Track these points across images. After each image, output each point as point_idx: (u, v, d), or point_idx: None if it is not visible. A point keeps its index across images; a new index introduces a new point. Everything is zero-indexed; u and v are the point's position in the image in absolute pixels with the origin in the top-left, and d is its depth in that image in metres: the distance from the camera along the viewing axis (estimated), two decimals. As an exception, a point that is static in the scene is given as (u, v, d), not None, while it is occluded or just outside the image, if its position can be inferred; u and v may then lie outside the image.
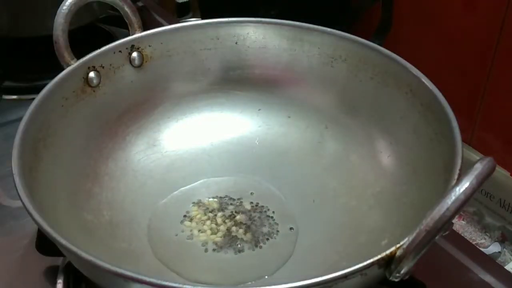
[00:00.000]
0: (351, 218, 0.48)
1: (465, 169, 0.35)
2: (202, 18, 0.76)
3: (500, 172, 0.65)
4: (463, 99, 0.73)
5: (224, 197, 0.51)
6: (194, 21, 0.57)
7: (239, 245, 0.47)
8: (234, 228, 0.48)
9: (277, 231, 0.48)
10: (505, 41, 0.67)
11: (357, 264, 0.34)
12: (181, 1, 1.08)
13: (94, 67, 0.51)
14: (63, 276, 0.45)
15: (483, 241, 0.56)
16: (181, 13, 1.09)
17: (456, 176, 0.39)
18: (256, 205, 0.50)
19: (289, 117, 0.56)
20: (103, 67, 0.52)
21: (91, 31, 0.75)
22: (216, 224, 0.49)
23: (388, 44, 0.55)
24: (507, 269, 0.52)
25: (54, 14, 0.50)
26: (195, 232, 0.48)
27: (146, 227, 0.48)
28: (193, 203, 0.51)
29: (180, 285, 0.33)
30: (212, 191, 0.52)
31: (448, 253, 0.51)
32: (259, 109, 0.57)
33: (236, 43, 0.56)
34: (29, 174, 0.42)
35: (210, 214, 0.50)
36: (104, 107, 0.52)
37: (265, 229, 0.48)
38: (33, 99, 0.46)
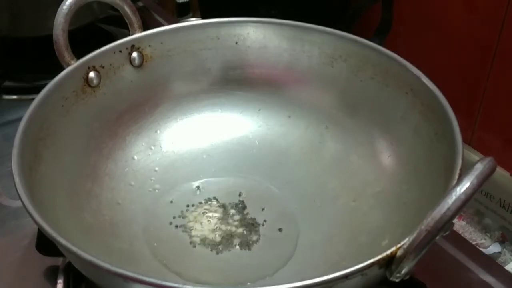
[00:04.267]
0: (352, 218, 0.48)
1: (464, 169, 0.35)
2: (202, 18, 0.76)
3: (500, 172, 0.65)
4: (463, 99, 0.73)
5: (224, 197, 0.51)
6: (194, 21, 0.57)
7: (239, 245, 0.47)
8: (234, 228, 0.48)
9: (278, 231, 0.48)
10: (505, 41, 0.67)
11: (358, 264, 0.34)
12: (181, 1, 1.08)
13: (94, 67, 0.51)
14: (63, 276, 0.45)
15: (483, 241, 0.56)
16: (181, 13, 1.09)
17: (456, 176, 0.39)
18: (257, 205, 0.50)
19: (289, 117, 0.56)
20: (103, 67, 0.52)
21: (91, 31, 0.75)
22: (216, 224, 0.49)
23: (388, 44, 0.55)
24: (507, 269, 0.52)
25: (54, 14, 0.50)
26: (195, 232, 0.48)
27: (146, 227, 0.48)
28: (193, 203, 0.51)
29: (180, 285, 0.33)
30: (212, 191, 0.52)
31: (448, 253, 0.51)
32: (259, 109, 0.57)
33: (236, 43, 0.56)
34: (29, 174, 0.42)
35: (210, 214, 0.50)
36: (104, 107, 0.52)
37: (266, 230, 0.48)
38: (33, 99, 0.46)
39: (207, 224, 0.49)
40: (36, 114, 0.45)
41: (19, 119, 0.44)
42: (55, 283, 0.45)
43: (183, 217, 0.49)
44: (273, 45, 0.55)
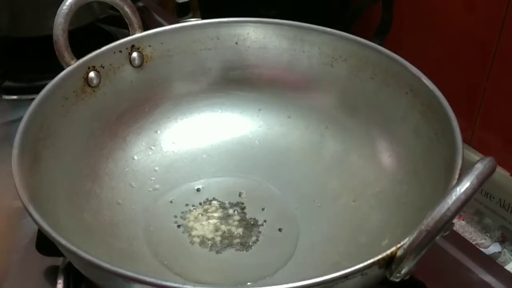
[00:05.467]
0: (352, 218, 0.48)
1: (464, 169, 0.35)
2: (202, 18, 0.76)
3: (500, 172, 0.65)
4: (463, 99, 0.73)
5: (224, 197, 0.51)
6: (194, 21, 0.57)
7: (239, 245, 0.47)
8: (234, 228, 0.48)
9: (278, 231, 0.48)
10: (505, 41, 0.67)
11: (358, 264, 0.34)
12: (181, 1, 1.08)
13: (94, 67, 0.51)
14: (63, 276, 0.45)
15: (483, 241, 0.56)
16: (181, 13, 1.09)
17: (456, 176, 0.39)
18: (256, 205, 0.50)
19: (289, 117, 0.56)
20: (103, 67, 0.52)
21: (91, 31, 0.75)
22: (216, 224, 0.49)
23: (388, 44, 0.55)
24: (507, 269, 0.52)
25: (54, 14, 0.50)
26: (195, 232, 0.48)
27: (146, 227, 0.48)
28: (193, 203, 0.51)
29: (181, 285, 0.33)
30: (212, 191, 0.52)
31: (448, 253, 0.51)
32: (259, 109, 0.57)
33: (236, 43, 0.56)
34: (29, 174, 0.42)
35: (210, 214, 0.50)
36: (104, 107, 0.52)
37: (266, 229, 0.48)
38: (33, 99, 0.46)
39: (207, 224, 0.49)
40: (36, 114, 0.45)
41: (19, 119, 0.44)
42: (55, 283, 0.45)
43: (183, 217, 0.49)
44: (273, 45, 0.55)
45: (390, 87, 0.50)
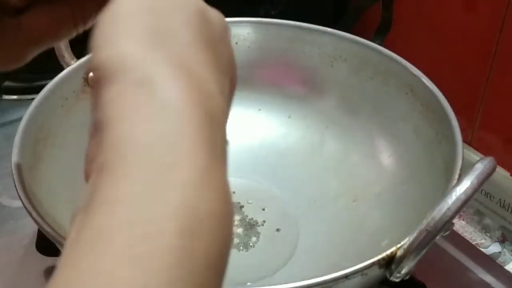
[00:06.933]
0: (352, 218, 0.48)
1: (465, 169, 0.35)
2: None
3: (500, 172, 0.65)
4: (463, 99, 0.72)
5: (224, 197, 0.51)
6: (194, 21, 0.57)
7: (239, 246, 0.47)
8: (234, 228, 0.48)
9: (278, 231, 0.48)
10: (505, 41, 0.67)
11: (358, 264, 0.34)
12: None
13: (94, 67, 0.51)
14: (63, 276, 0.45)
15: (483, 241, 0.56)
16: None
17: (456, 176, 0.39)
18: (257, 206, 0.50)
19: (289, 117, 0.56)
20: (103, 67, 0.51)
21: (91, 32, 0.75)
22: (216, 224, 0.49)
23: (388, 44, 0.55)
24: (507, 269, 0.52)
25: (54, 14, 0.50)
26: (195, 232, 0.48)
27: (146, 227, 0.48)
28: (193, 203, 0.51)
29: (181, 285, 0.32)
30: (212, 191, 0.52)
31: (448, 253, 0.51)
32: (259, 109, 0.57)
33: (236, 43, 0.56)
34: (29, 174, 0.41)
35: (210, 214, 0.50)
36: (104, 107, 0.52)
37: (266, 230, 0.48)
38: (33, 99, 0.46)
39: (207, 224, 0.49)
40: (36, 114, 0.45)
41: (19, 119, 0.44)
42: (55, 283, 0.45)
43: (183, 217, 0.49)
44: (273, 45, 0.55)
45: (390, 87, 0.50)
